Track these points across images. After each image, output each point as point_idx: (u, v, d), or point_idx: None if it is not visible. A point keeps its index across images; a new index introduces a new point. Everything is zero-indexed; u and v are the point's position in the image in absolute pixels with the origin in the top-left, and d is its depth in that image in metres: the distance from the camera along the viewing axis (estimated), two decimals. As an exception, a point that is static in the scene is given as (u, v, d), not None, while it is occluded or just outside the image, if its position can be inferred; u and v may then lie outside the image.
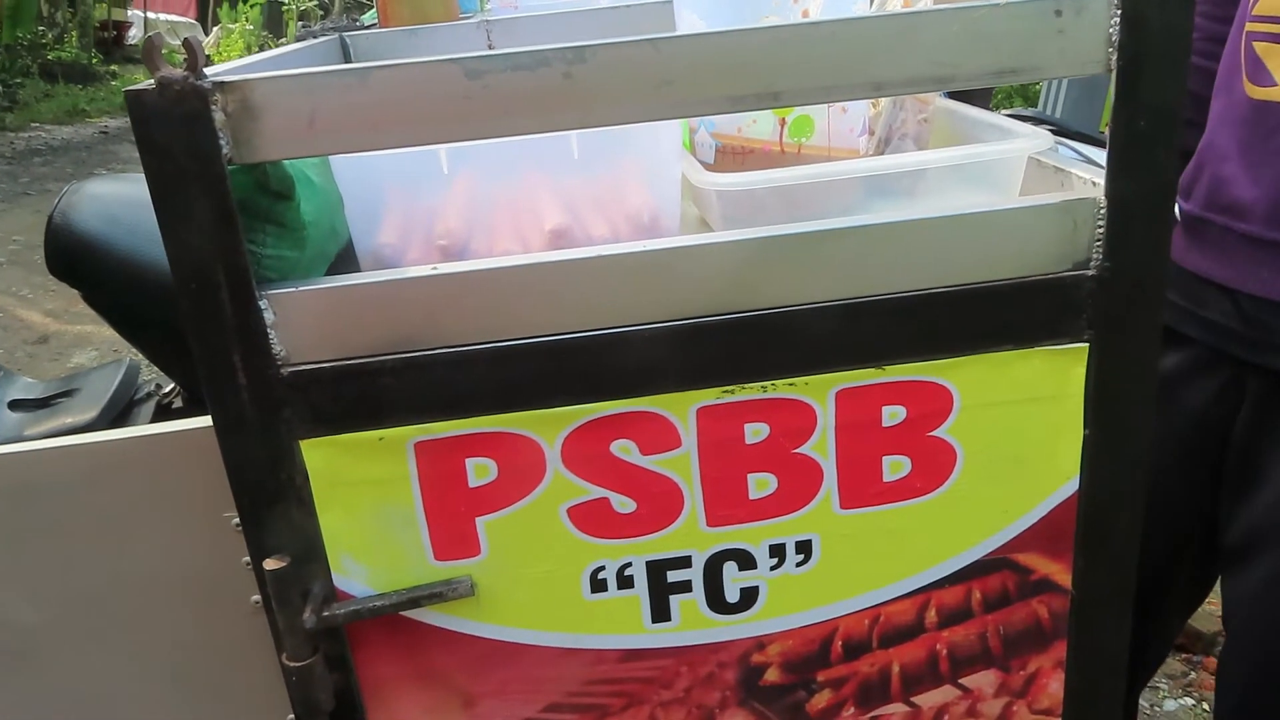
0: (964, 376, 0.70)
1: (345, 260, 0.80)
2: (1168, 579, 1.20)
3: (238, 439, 0.67)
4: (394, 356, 0.66)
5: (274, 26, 22.29)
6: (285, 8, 21.86)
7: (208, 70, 0.64)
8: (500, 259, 0.66)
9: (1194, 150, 1.12)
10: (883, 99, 0.92)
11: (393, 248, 0.75)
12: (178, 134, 0.60)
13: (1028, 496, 0.74)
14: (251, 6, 20.50)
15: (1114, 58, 0.63)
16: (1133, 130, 0.65)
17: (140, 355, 1.45)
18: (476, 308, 0.66)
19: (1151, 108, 0.64)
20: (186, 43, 0.59)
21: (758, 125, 0.84)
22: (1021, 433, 0.72)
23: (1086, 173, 0.73)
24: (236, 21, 20.02)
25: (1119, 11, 0.62)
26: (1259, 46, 1.02)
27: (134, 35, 19.55)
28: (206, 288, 0.63)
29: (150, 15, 20.09)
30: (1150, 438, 0.73)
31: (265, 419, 0.66)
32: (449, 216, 0.76)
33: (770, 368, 0.69)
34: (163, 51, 0.59)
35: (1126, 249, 0.67)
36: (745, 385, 0.69)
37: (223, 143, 0.60)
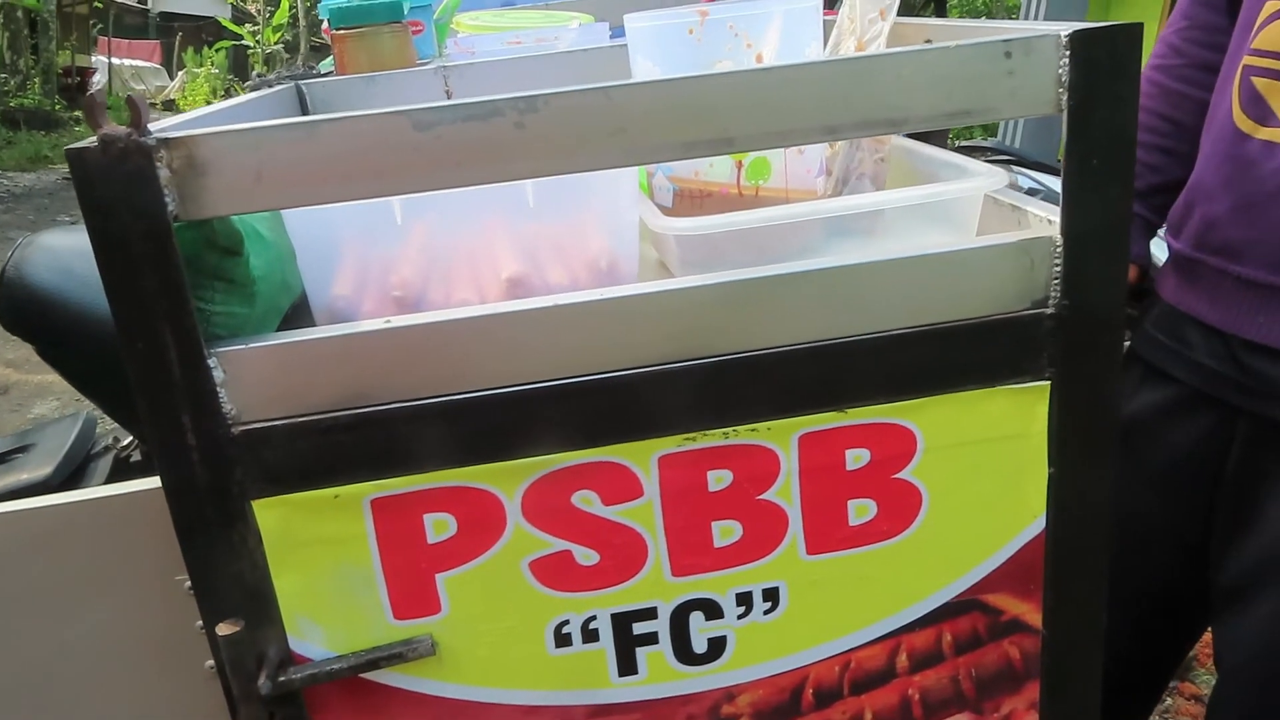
0: (927, 417, 0.70)
1: (300, 313, 0.79)
2: (1164, 609, 1.17)
3: (187, 501, 0.65)
4: (348, 412, 0.64)
5: (240, 70, 22.30)
6: (251, 52, 21.90)
7: (154, 125, 0.63)
8: (454, 310, 0.65)
9: (1182, 181, 1.08)
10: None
11: (347, 300, 0.74)
12: (121, 192, 0.58)
13: (995, 537, 0.73)
14: (216, 51, 20.52)
15: (1064, 98, 0.64)
16: (1085, 169, 0.65)
17: (98, 408, 1.42)
18: (432, 361, 0.65)
19: (1103, 146, 0.64)
20: (130, 100, 0.58)
21: (715, 168, 0.84)
22: (987, 472, 0.72)
23: (1042, 210, 0.74)
24: (201, 66, 20.04)
25: (1068, 52, 0.63)
26: (1259, 83, 0.97)
27: (98, 81, 19.47)
28: (153, 347, 0.62)
29: (115, 61, 20.06)
30: (1112, 474, 0.72)
31: (216, 480, 0.64)
32: (404, 267, 0.75)
33: (731, 413, 0.68)
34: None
35: (1084, 286, 0.67)
36: (706, 432, 0.68)
37: (168, 200, 0.59)
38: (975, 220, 0.79)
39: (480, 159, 0.61)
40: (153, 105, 19.88)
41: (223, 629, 0.65)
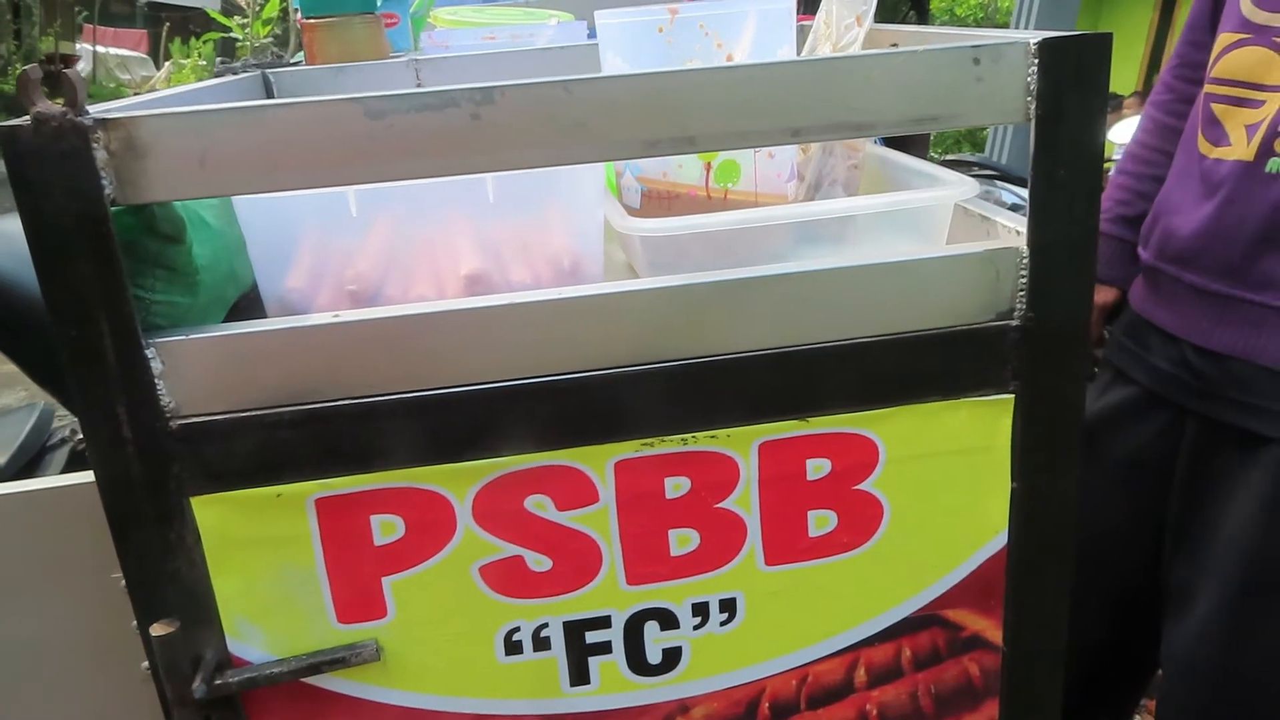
0: (890, 428, 0.68)
1: (251, 306, 0.77)
2: (1129, 601, 1.21)
3: (122, 496, 0.62)
4: (293, 408, 0.62)
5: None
6: (239, 45, 21.80)
7: (96, 107, 0.61)
8: (406, 306, 0.63)
9: None
10: (812, 144, 0.91)
11: (300, 293, 0.72)
12: (55, 173, 0.56)
13: (956, 551, 0.72)
14: (204, 42, 20.41)
15: (1033, 106, 0.62)
16: (1052, 180, 0.64)
17: (55, 399, 1.39)
18: (382, 357, 0.63)
19: (1071, 157, 0.63)
20: (64, 76, 0.56)
21: (684, 170, 0.82)
22: (949, 485, 0.70)
23: (1011, 221, 0.72)
24: (189, 58, 19.92)
25: (1036, 61, 0.61)
26: (1217, 108, 1.06)
27: (82, 69, 19.34)
28: (88, 335, 0.59)
29: (100, 49, 19.91)
30: (1076, 490, 0.71)
31: (152, 475, 0.62)
32: (360, 260, 0.73)
33: (691, 419, 0.66)
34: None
35: (1049, 299, 0.66)
36: (665, 438, 0.66)
37: (105, 183, 0.57)
38: (945, 230, 0.78)
39: (434, 150, 0.59)
40: (138, 95, 19.70)
41: (157, 629, 0.63)
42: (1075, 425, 0.69)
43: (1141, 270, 1.15)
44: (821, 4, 1.00)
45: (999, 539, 0.72)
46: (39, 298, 1.13)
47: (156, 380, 0.61)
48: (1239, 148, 1.02)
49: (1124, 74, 11.74)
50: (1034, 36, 0.61)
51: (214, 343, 0.61)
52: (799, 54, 0.95)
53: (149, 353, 0.60)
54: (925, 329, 0.66)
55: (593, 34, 1.55)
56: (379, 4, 1.19)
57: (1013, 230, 0.72)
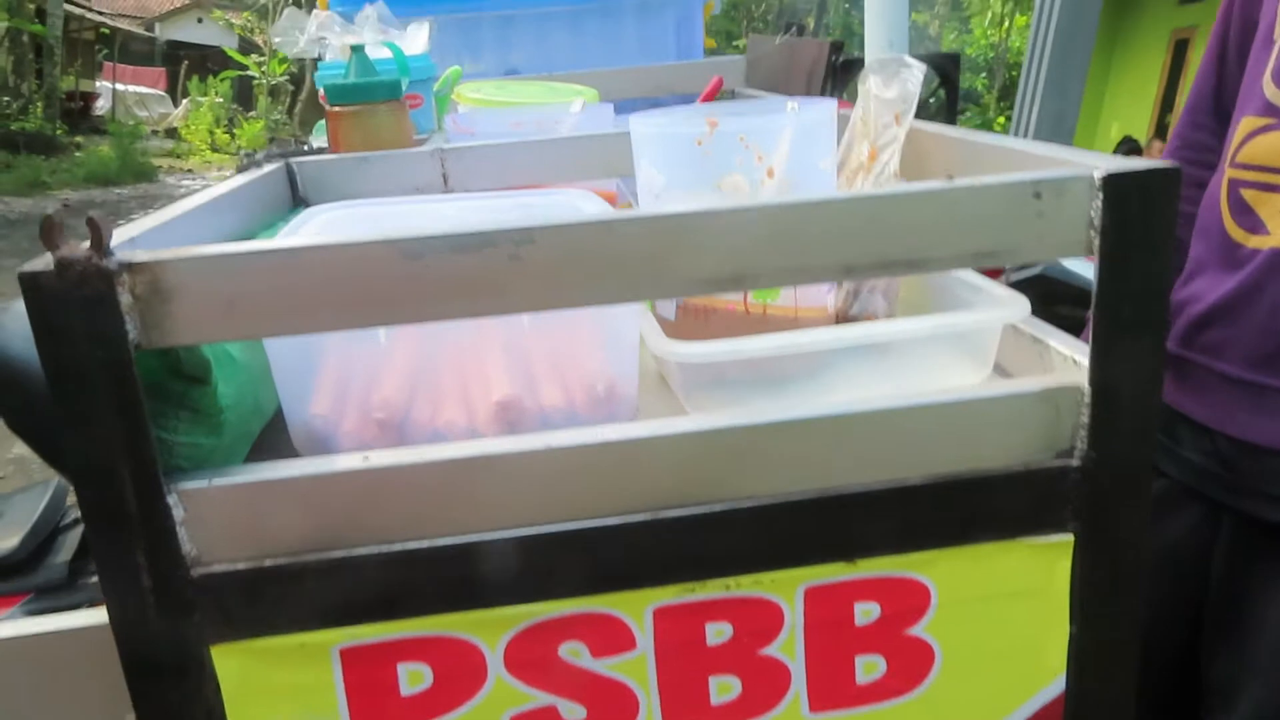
0: (941, 571, 0.65)
1: (273, 430, 0.74)
2: (1164, 704, 1.19)
3: (140, 645, 0.59)
4: (319, 555, 0.59)
5: (244, 100, 22.46)
6: (256, 83, 22.02)
7: (119, 234, 0.59)
8: (439, 448, 0.60)
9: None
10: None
11: (325, 419, 0.69)
12: (78, 318, 0.54)
13: (1011, 697, 0.68)
14: (221, 80, 20.65)
15: (1096, 241, 0.60)
16: (1116, 317, 0.61)
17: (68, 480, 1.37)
18: (413, 502, 0.60)
19: (1136, 294, 0.60)
20: (90, 221, 0.53)
21: (721, 281, 0.79)
22: (1004, 630, 0.67)
23: (1067, 347, 0.69)
24: (206, 95, 20.15)
25: (1101, 195, 0.59)
26: (1247, 194, 1.04)
27: (101, 106, 19.57)
28: (108, 482, 0.57)
29: (119, 87, 20.17)
30: (1137, 633, 0.67)
31: (172, 624, 0.59)
32: (387, 384, 0.70)
33: (734, 564, 0.63)
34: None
35: (1112, 438, 0.63)
36: (706, 583, 0.63)
37: (129, 328, 0.54)
38: (994, 349, 0.75)
39: (473, 292, 0.56)
40: (155, 133, 19.96)
41: (172, 785, 0.60)
42: (1138, 567, 0.66)
43: (1167, 361, 1.12)
44: (859, 99, 0.98)
45: (1056, 684, 0.68)
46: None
47: (178, 528, 0.58)
48: (1277, 235, 1.00)
49: (1138, 117, 11.78)
50: (1099, 168, 0.59)
51: (238, 490, 0.58)
52: (836, 148, 0.92)
53: (171, 499, 0.57)
54: (979, 469, 0.63)
55: (620, 109, 1.54)
56: (404, 87, 1.18)
57: (1069, 359, 0.69)
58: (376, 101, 1.09)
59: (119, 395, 0.55)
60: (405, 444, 0.70)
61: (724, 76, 1.59)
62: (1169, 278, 0.60)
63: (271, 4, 24.08)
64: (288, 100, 23.82)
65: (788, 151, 0.75)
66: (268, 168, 1.02)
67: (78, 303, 0.53)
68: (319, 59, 1.28)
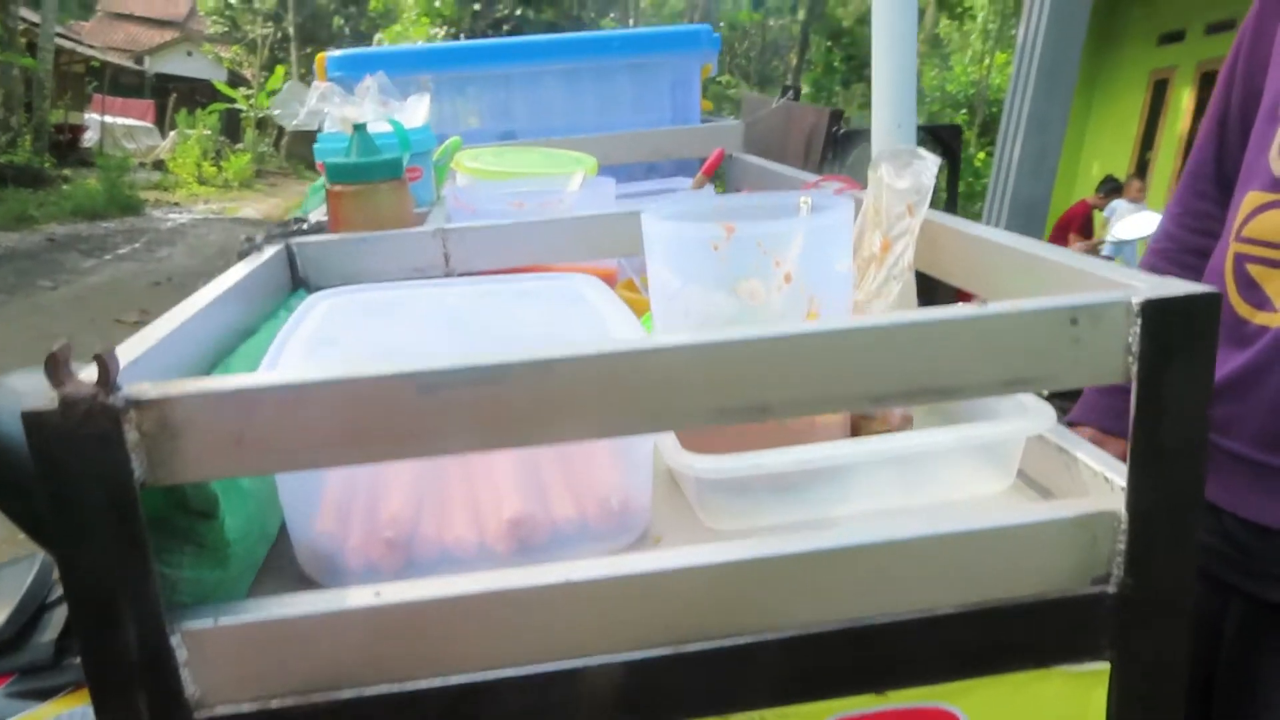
0: (974, 701, 0.63)
1: (279, 546, 0.72)
2: None
3: (138, 791, 0.57)
4: (327, 696, 0.57)
5: (232, 133, 22.52)
6: (244, 116, 22.08)
7: (122, 354, 0.56)
8: (453, 582, 0.58)
9: None
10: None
11: (331, 536, 0.67)
12: (82, 457, 0.51)
13: (1044, 828, 0.66)
14: (209, 113, 20.68)
15: (1134, 367, 0.58)
16: (1154, 442, 0.59)
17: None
18: (425, 639, 0.57)
19: (1174, 419, 0.59)
20: (98, 357, 0.51)
21: (737, 383, 0.78)
22: (1037, 759, 0.64)
23: (1097, 463, 0.68)
24: (194, 128, 20.17)
25: (1139, 320, 0.57)
26: (1253, 270, 1.03)
27: (90, 138, 19.56)
28: (108, 622, 0.54)
29: (108, 119, 20.17)
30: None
31: (172, 770, 0.56)
32: (394, 499, 0.68)
33: (761, 697, 0.61)
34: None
35: (1149, 565, 0.61)
36: (732, 717, 0.61)
37: (135, 465, 0.52)
38: (1017, 458, 0.74)
39: (489, 424, 0.54)
40: (142, 165, 19.93)
41: None
42: (1177, 696, 0.64)
43: None
44: (870, 186, 0.97)
45: (1091, 814, 0.66)
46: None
47: (181, 669, 0.55)
48: None
49: (1118, 156, 11.92)
50: (1137, 293, 0.57)
51: (245, 629, 0.56)
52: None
53: (174, 640, 0.55)
54: (1014, 597, 0.61)
55: (619, 176, 1.53)
56: (405, 162, 1.17)
57: (1099, 475, 0.67)
58: (378, 181, 1.07)
59: (122, 535, 0.53)
60: (413, 561, 0.68)
61: (722, 141, 1.58)
62: (1208, 404, 0.59)
63: (260, 39, 24.22)
64: (275, 133, 23.88)
65: (805, 255, 0.73)
66: (268, 251, 1.00)
67: (82, 441, 0.51)
68: (319, 129, 1.27)
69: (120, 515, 0.52)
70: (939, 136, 1.62)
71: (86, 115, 20.40)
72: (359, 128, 1.08)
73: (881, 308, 0.87)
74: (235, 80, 23.78)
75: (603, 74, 1.74)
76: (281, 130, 23.29)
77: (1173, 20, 11.18)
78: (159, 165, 19.40)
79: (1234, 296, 1.05)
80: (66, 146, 17.71)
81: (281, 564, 0.70)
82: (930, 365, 0.57)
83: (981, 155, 17.43)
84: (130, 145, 20.14)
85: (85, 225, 11.88)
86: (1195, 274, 1.16)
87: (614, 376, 0.55)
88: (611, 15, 21.09)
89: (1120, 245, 8.66)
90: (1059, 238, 10.05)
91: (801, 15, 19.82)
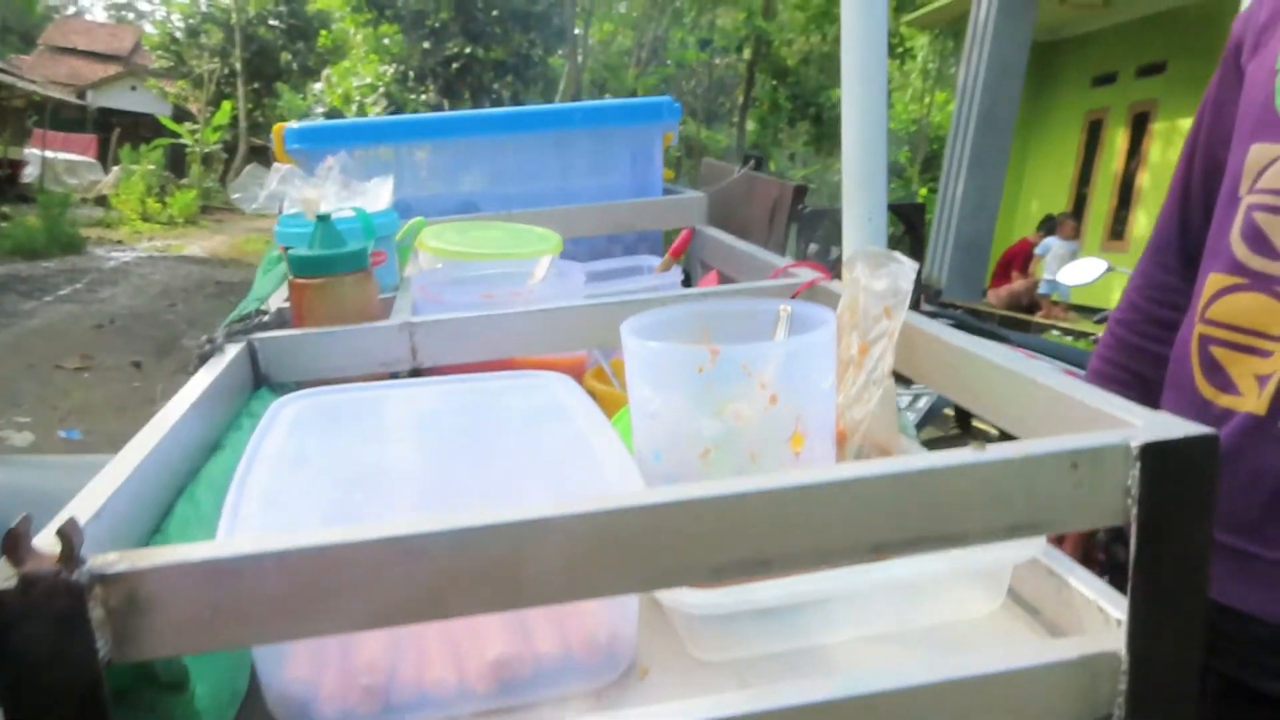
0: None
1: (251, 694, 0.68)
2: None
3: None
4: None
5: (176, 168, 22.20)
6: (189, 151, 21.80)
7: (82, 508, 0.53)
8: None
9: None
10: (848, 453, 0.86)
11: (304, 684, 0.64)
12: (43, 639, 0.48)
13: None
14: (154, 148, 20.37)
15: (1134, 510, 0.57)
16: (1155, 584, 0.58)
17: None
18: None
19: (1175, 561, 0.58)
20: (62, 533, 0.48)
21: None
22: None
23: (1090, 590, 0.67)
24: (138, 163, 19.83)
25: (1138, 464, 0.57)
26: (1217, 352, 1.02)
27: (30, 173, 19.13)
28: (67, 810, 0.50)
29: (49, 154, 19.77)
30: None
31: None
32: (370, 642, 0.65)
33: None
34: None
35: (1150, 705, 0.60)
36: None
37: (100, 644, 0.48)
38: (1007, 579, 0.73)
39: (478, 588, 0.52)
40: (85, 200, 19.53)
41: None
42: (1178, 835, 0.63)
43: None
44: (845, 286, 0.96)
45: None
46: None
47: None
48: (1249, 399, 0.99)
49: (1056, 194, 12.23)
50: (1135, 435, 0.57)
51: (216, 811, 0.52)
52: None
53: (138, 827, 0.51)
54: (1016, 742, 0.60)
55: (581, 246, 1.52)
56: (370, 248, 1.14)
57: (1094, 604, 0.66)
58: (343, 273, 1.05)
59: (83, 714, 0.49)
60: (391, 705, 0.65)
61: (685, 214, 1.58)
62: (1209, 546, 0.58)
63: (207, 73, 23.98)
64: (221, 168, 23.60)
65: (790, 375, 0.72)
66: (230, 351, 0.96)
67: (43, 622, 0.48)
68: (279, 212, 1.24)
69: (83, 698, 0.49)
70: (901, 213, 1.62)
71: (26, 150, 20.00)
72: (322, 218, 1.06)
73: (862, 414, 0.86)
74: (181, 115, 23.47)
75: (564, 143, 1.73)
76: (228, 165, 23.03)
77: (1105, 63, 11.56)
78: (101, 201, 19.03)
79: (1199, 378, 1.05)
80: (5, 182, 17.33)
81: (250, 715, 0.67)
82: (934, 513, 0.56)
83: (924, 191, 17.78)
84: (72, 181, 19.76)
85: (24, 264, 11.60)
86: (1160, 345, 1.17)
87: (606, 535, 0.52)
88: (560, 53, 21.24)
89: (1056, 284, 8.86)
90: (1002, 275, 10.28)
91: (747, 54, 20.10)
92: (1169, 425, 0.58)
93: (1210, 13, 9.08)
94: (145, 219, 18.16)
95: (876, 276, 0.91)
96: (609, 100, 1.77)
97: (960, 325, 3.36)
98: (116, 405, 5.95)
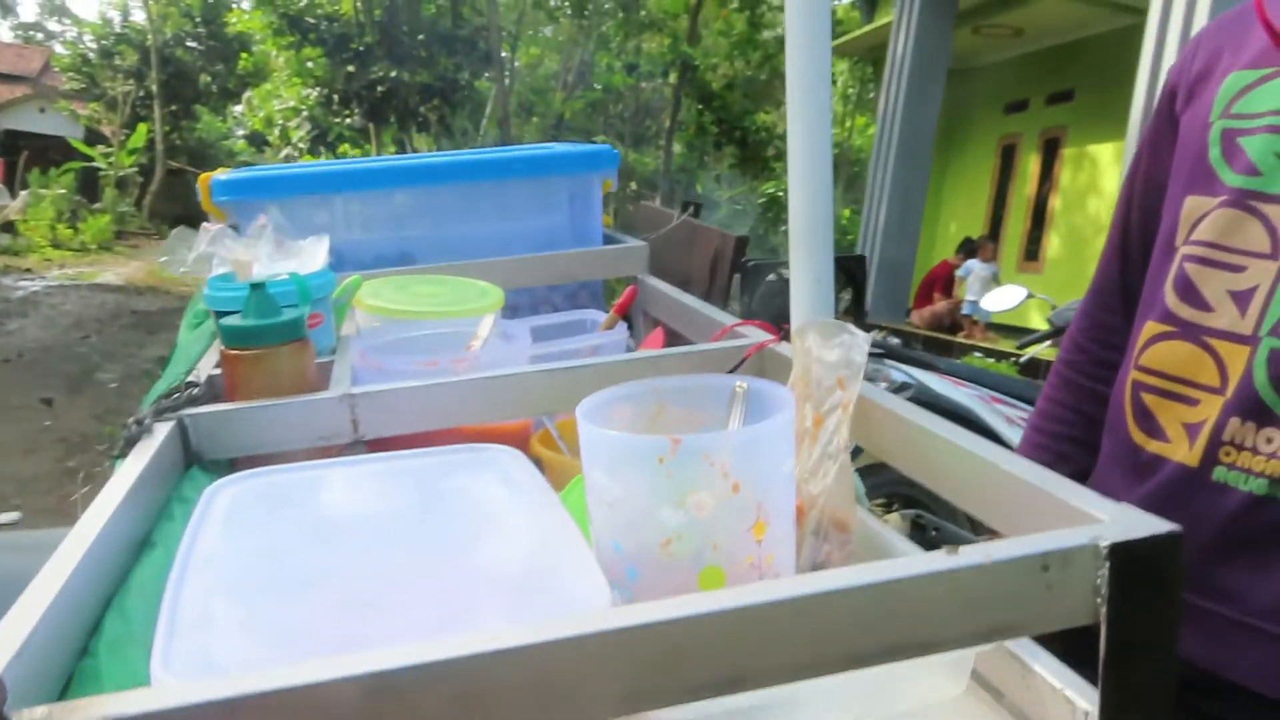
0: None
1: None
2: None
3: None
4: None
5: (89, 192, 21.52)
6: (103, 175, 21.16)
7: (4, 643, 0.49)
8: None
9: (1089, 469, 1.16)
10: (806, 529, 0.85)
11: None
12: (-38, 807, 0.44)
13: None
14: (64, 172, 19.73)
15: (1103, 610, 0.57)
16: (1126, 681, 0.58)
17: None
18: None
19: (1144, 658, 0.58)
20: (-15, 689, 0.44)
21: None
22: None
23: (1056, 679, 0.67)
24: (48, 188, 19.18)
25: (1107, 564, 0.56)
26: (1148, 399, 1.04)
27: (-73, 200, 18.34)
28: None
29: (-51, 180, 18.96)
30: None
31: None
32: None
33: None
34: None
35: (1123, 803, 0.60)
36: None
37: (29, 806, 0.44)
38: (970, 662, 0.72)
39: (444, 723, 0.49)
40: (-10, 235, 18.79)
41: None
42: None
43: None
44: (795, 355, 0.96)
45: None
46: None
47: None
48: (1179, 447, 1.01)
49: (973, 217, 12.57)
50: (1104, 537, 0.56)
51: None
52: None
53: None
54: (991, 847, 0.59)
55: (521, 296, 1.49)
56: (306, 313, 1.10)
57: (1060, 694, 0.66)
58: (278, 344, 1.01)
59: None
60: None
61: (627, 264, 1.56)
62: (1176, 643, 0.58)
63: (121, 95, 23.34)
64: (136, 192, 22.94)
65: (751, 462, 0.71)
66: (159, 432, 0.91)
67: (-40, 789, 0.44)
68: (208, 274, 1.19)
69: None
70: (843, 266, 1.64)
71: (-75, 175, 19.21)
72: (256, 286, 1.01)
73: (819, 489, 0.85)
74: (93, 138, 22.80)
75: (502, 191, 1.70)
76: (144, 189, 22.40)
77: (1017, 91, 11.95)
78: (8, 228, 18.34)
79: (1130, 423, 1.07)
80: (-96, 211, 16.61)
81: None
82: (910, 623, 0.55)
83: (847, 212, 18.14)
84: (-29, 207, 19.02)
85: (-77, 297, 11.12)
86: (1106, 386, 1.18)
87: (571, 667, 0.50)
88: (487, 76, 21.18)
89: (977, 306, 9.09)
90: (924, 296, 10.52)
91: (673, 79, 20.29)
92: (1134, 522, 0.58)
93: (1114, 44, 9.46)
94: (56, 246, 17.55)
95: (829, 347, 0.90)
96: (548, 146, 1.75)
97: (890, 354, 3.42)
98: (25, 447, 5.71)
